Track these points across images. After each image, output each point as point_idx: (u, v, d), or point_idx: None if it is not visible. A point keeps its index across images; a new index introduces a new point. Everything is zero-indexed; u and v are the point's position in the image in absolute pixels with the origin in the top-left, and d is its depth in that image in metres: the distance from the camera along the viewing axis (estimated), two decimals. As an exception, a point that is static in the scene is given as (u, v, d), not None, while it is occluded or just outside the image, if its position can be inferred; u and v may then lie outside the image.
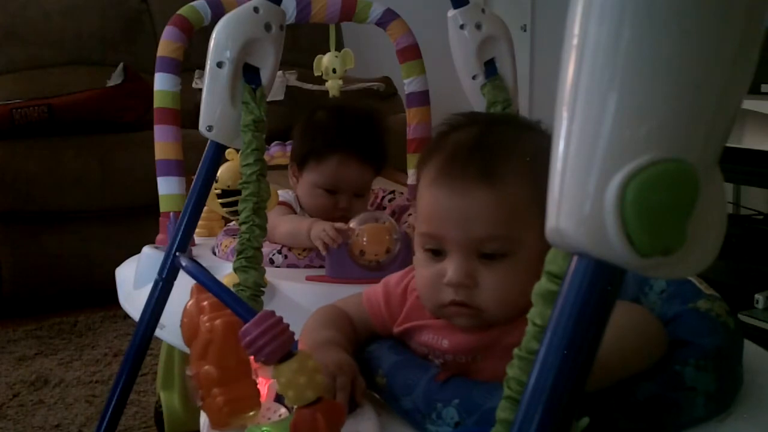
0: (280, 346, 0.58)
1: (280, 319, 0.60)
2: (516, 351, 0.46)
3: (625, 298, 0.75)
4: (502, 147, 0.70)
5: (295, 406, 0.58)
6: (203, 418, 0.71)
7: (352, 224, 1.08)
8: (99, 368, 1.82)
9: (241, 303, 0.65)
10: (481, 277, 0.69)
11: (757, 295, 1.75)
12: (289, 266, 1.17)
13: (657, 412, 0.62)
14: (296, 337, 0.60)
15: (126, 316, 1.21)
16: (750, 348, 0.74)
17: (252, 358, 0.63)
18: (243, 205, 0.82)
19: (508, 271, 0.68)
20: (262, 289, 0.82)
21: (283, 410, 0.66)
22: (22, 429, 1.55)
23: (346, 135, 1.20)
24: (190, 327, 0.70)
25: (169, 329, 1.06)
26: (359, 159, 1.20)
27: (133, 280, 1.23)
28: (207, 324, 0.67)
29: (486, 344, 0.71)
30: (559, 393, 0.40)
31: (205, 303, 0.69)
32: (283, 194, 1.25)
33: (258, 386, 0.69)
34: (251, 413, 0.67)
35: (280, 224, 1.16)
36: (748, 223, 2.04)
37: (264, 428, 0.62)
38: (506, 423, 0.46)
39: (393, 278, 0.81)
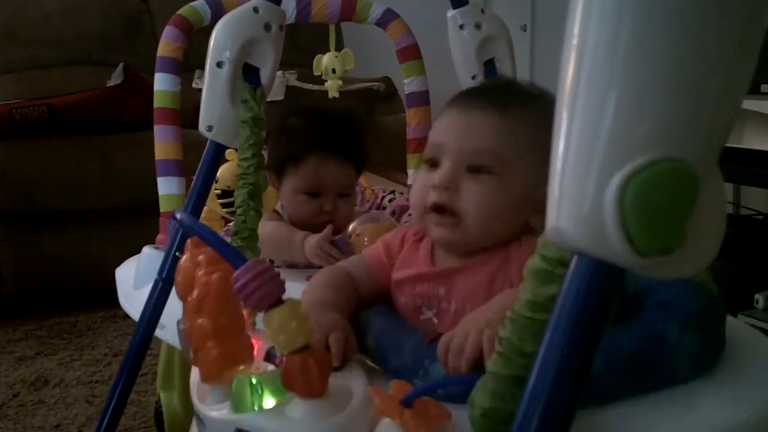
0: (270, 292, 0.60)
1: (270, 266, 0.61)
2: (508, 314, 0.51)
3: None
4: (516, 92, 0.77)
5: (286, 353, 0.59)
6: (194, 375, 0.73)
7: (352, 225, 1.08)
8: (99, 368, 1.82)
9: (234, 251, 0.65)
10: (464, 186, 0.73)
11: (757, 295, 1.75)
12: (289, 266, 1.17)
13: (640, 368, 0.62)
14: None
15: (126, 316, 1.21)
16: (732, 320, 0.74)
17: (245, 313, 0.66)
18: (240, 191, 0.83)
19: (490, 186, 0.73)
20: None
21: (271, 368, 0.68)
22: (22, 429, 1.54)
23: (321, 135, 1.18)
24: (185, 282, 0.70)
25: (169, 329, 1.06)
26: (338, 157, 1.18)
27: (133, 280, 1.23)
28: (203, 278, 0.68)
29: (476, 290, 0.74)
30: (559, 393, 0.40)
31: (201, 257, 0.69)
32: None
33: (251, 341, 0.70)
34: (242, 367, 0.68)
35: (265, 228, 1.13)
36: (748, 223, 2.04)
37: (253, 378, 0.62)
38: (495, 375, 0.51)
39: (389, 234, 0.86)
